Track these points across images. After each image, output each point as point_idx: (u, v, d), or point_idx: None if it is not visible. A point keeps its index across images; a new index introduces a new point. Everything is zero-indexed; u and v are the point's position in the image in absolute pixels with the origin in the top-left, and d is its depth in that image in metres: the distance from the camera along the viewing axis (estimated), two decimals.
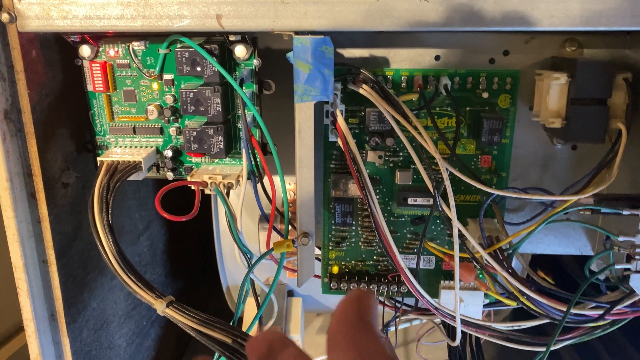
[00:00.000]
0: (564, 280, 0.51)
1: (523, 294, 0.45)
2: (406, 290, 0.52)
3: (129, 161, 0.47)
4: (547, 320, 0.47)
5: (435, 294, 0.53)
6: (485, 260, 0.46)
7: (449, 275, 0.53)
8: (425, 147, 0.43)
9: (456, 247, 0.43)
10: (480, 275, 0.50)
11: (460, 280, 0.46)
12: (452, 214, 0.42)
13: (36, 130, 0.45)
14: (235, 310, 0.50)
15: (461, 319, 0.48)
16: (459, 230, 0.44)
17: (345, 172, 0.51)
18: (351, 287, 0.53)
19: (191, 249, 0.91)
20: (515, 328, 0.51)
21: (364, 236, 0.53)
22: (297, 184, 0.44)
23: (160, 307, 0.44)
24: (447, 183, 0.42)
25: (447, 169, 0.42)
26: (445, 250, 0.49)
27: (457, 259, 0.44)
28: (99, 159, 0.48)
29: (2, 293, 0.73)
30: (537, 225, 0.45)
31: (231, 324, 0.47)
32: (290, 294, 0.74)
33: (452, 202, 0.42)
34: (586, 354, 0.71)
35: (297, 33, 0.41)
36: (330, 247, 0.54)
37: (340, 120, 0.44)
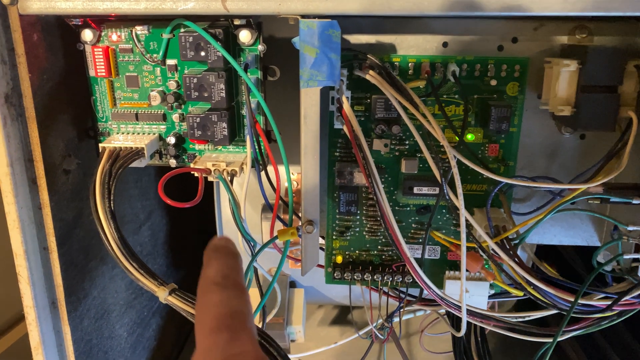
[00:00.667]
0: (565, 273, 0.51)
1: (530, 283, 0.44)
2: (411, 280, 0.52)
3: (131, 147, 0.47)
4: (553, 312, 0.47)
5: (440, 284, 0.52)
6: (492, 249, 0.45)
7: (454, 266, 0.53)
8: (434, 134, 0.42)
9: (463, 236, 0.43)
10: (487, 265, 0.49)
11: (466, 270, 0.45)
12: (460, 203, 0.42)
13: (37, 115, 0.45)
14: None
15: (467, 310, 0.48)
16: (466, 220, 0.43)
17: (350, 160, 0.50)
18: (355, 277, 0.53)
19: (192, 238, 0.90)
20: (521, 319, 0.51)
21: (368, 225, 0.52)
22: (302, 171, 0.43)
23: (163, 294, 0.43)
24: (455, 171, 0.41)
25: (454, 157, 0.42)
26: (452, 240, 0.49)
27: (464, 248, 0.43)
28: (100, 145, 0.47)
29: (2, 282, 0.73)
30: (544, 215, 0.44)
31: None
32: (293, 285, 0.74)
33: (459, 191, 0.42)
34: (589, 347, 0.71)
35: (303, 17, 0.41)
36: (334, 237, 0.53)
37: (347, 106, 0.43)
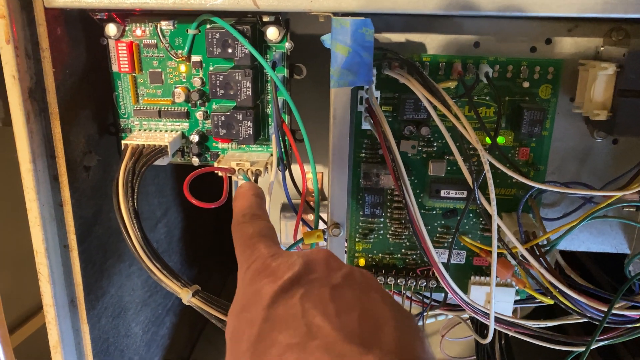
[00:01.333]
0: (585, 279, 0.49)
1: (561, 292, 0.43)
2: (435, 285, 0.51)
3: (155, 145, 0.46)
4: (582, 320, 0.46)
5: (464, 289, 0.51)
6: (522, 256, 0.44)
7: (480, 271, 0.52)
8: (467, 137, 0.41)
9: (494, 242, 0.42)
10: (516, 272, 0.48)
11: (496, 277, 0.44)
12: (493, 208, 0.41)
13: (60, 110, 0.44)
14: None
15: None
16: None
17: (376, 161, 0.49)
18: (378, 280, 0.52)
19: (206, 235, 0.89)
20: (547, 326, 0.50)
21: (392, 228, 0.51)
22: (330, 173, 0.42)
23: (186, 296, 0.42)
24: (489, 176, 0.40)
25: (488, 161, 0.40)
26: (481, 246, 0.47)
27: (494, 255, 0.42)
28: (123, 142, 0.46)
29: (18, 275, 0.72)
30: (578, 222, 0.43)
31: None
32: None
33: (492, 196, 0.41)
34: (609, 356, 0.69)
35: (335, 14, 0.39)
36: (357, 239, 0.52)
37: (377, 107, 0.42)
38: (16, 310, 0.77)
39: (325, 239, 0.44)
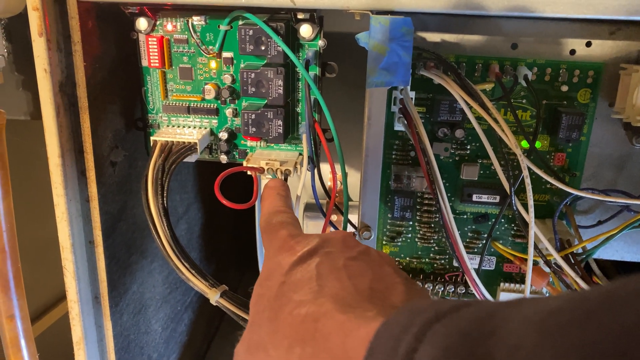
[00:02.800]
0: None
1: None
2: (463, 291, 0.50)
3: (184, 142, 0.45)
4: None
5: (493, 295, 0.50)
6: (556, 264, 0.43)
7: (509, 277, 0.51)
8: (506, 141, 0.40)
9: (531, 250, 0.41)
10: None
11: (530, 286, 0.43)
12: (530, 215, 0.40)
13: (89, 105, 0.43)
14: None
15: None
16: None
17: (406, 163, 0.48)
18: None
19: (224, 232, 0.89)
20: None
21: (421, 232, 0.50)
22: (363, 174, 0.42)
23: (214, 296, 0.41)
24: (528, 181, 0.39)
25: (527, 167, 0.39)
26: (515, 253, 0.46)
27: (530, 263, 0.41)
28: (152, 138, 0.45)
29: (38, 267, 0.72)
30: (617, 231, 0.42)
31: None
32: None
33: (530, 202, 0.40)
34: None
35: (374, 12, 0.39)
36: (384, 242, 0.51)
37: (412, 108, 0.41)
38: (36, 301, 0.77)
39: None
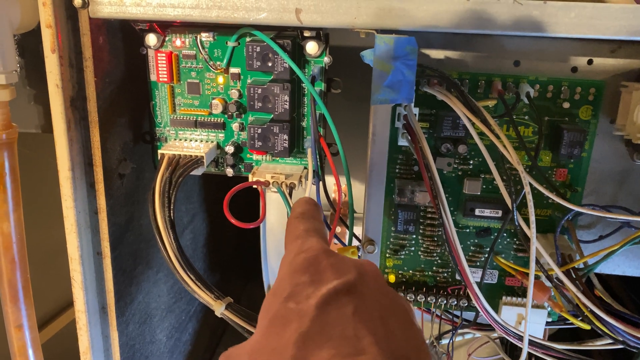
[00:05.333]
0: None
1: (598, 317, 0.42)
2: (465, 304, 0.50)
3: (191, 156, 0.46)
4: (618, 346, 0.45)
5: (495, 308, 0.50)
6: (557, 279, 0.43)
7: (511, 291, 0.51)
8: (508, 157, 0.40)
9: (532, 265, 0.41)
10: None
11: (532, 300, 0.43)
12: (532, 231, 0.40)
13: (99, 119, 0.44)
14: None
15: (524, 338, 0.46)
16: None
17: (409, 177, 0.49)
18: (407, 297, 0.51)
19: (228, 242, 0.90)
20: (576, 349, 0.49)
21: (424, 245, 0.51)
22: (367, 189, 0.42)
23: (219, 308, 0.42)
24: (529, 197, 0.40)
25: (529, 183, 0.40)
26: (517, 267, 0.47)
27: (531, 278, 0.42)
28: (160, 151, 0.46)
29: (44, 274, 0.73)
30: (618, 247, 0.42)
31: None
32: None
33: (532, 218, 0.40)
34: None
35: (379, 31, 0.39)
36: (387, 255, 0.52)
37: (416, 125, 0.42)
38: (42, 309, 0.78)
39: (359, 256, 0.44)
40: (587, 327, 0.44)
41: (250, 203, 0.66)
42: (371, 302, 0.26)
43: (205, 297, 0.42)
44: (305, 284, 0.26)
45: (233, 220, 0.40)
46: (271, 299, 0.27)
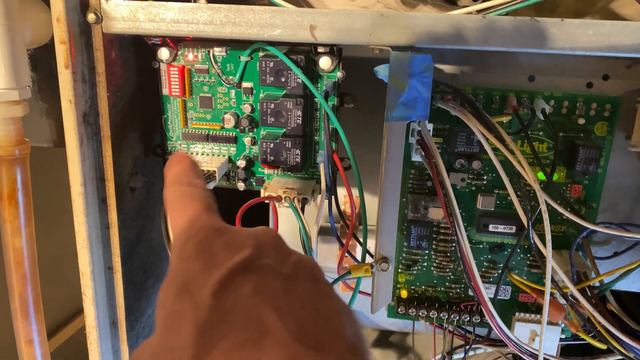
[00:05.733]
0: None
1: (613, 336, 0.42)
2: (478, 320, 0.50)
3: (204, 170, 0.45)
4: None
5: (507, 325, 0.50)
6: (572, 296, 0.43)
7: (524, 307, 0.51)
8: (523, 174, 0.40)
9: (548, 283, 0.41)
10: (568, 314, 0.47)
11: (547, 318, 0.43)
12: (548, 250, 0.40)
13: (112, 134, 0.44)
14: None
15: (537, 356, 0.46)
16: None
17: (422, 192, 0.49)
18: (420, 313, 0.51)
19: None
20: None
21: (437, 261, 0.50)
22: (380, 207, 0.42)
23: None
24: (546, 217, 0.39)
25: (545, 201, 0.40)
26: (531, 285, 0.46)
27: (547, 297, 0.41)
28: None
29: (51, 283, 0.73)
30: (635, 266, 0.42)
31: None
32: None
33: (548, 237, 0.40)
34: None
35: (394, 48, 0.39)
36: (400, 270, 0.51)
37: (430, 141, 0.42)
38: (50, 317, 0.78)
39: (372, 273, 0.43)
40: (603, 346, 0.43)
41: (260, 216, 0.66)
42: (272, 275, 0.24)
43: None
44: (198, 272, 0.24)
45: None
46: (164, 293, 0.25)
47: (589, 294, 0.43)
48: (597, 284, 0.45)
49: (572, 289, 0.42)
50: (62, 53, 0.40)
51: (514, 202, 0.42)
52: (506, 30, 0.37)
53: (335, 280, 0.44)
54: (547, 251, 0.40)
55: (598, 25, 0.37)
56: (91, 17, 0.40)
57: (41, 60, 0.47)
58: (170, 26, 0.40)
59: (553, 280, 0.43)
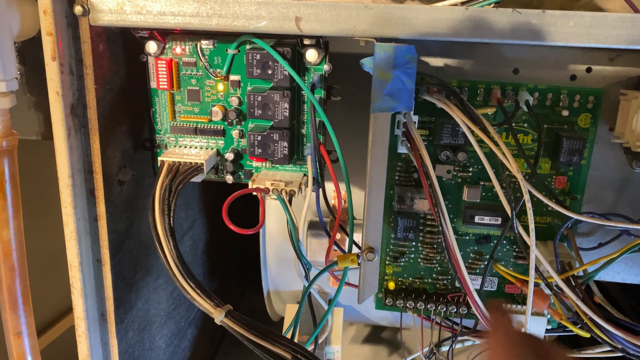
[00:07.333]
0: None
1: (597, 325, 0.42)
2: (465, 312, 0.50)
3: (191, 163, 0.46)
4: (619, 354, 0.45)
5: None
6: (557, 287, 0.43)
7: (511, 298, 0.51)
8: (507, 165, 0.40)
9: (532, 273, 0.41)
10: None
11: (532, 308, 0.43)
12: (531, 239, 0.40)
13: (99, 126, 0.44)
14: (293, 326, 0.48)
15: None
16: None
17: (409, 185, 0.49)
18: (407, 305, 0.51)
19: (227, 248, 0.89)
20: (578, 357, 0.49)
21: (424, 253, 0.51)
22: (367, 198, 0.42)
23: (219, 316, 0.42)
24: (529, 206, 0.40)
25: (529, 191, 0.40)
26: (516, 275, 0.47)
27: (531, 286, 0.42)
28: (159, 158, 0.46)
29: (43, 280, 0.73)
30: (617, 255, 0.42)
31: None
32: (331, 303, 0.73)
33: (532, 227, 0.40)
34: None
35: (378, 40, 0.39)
36: (387, 262, 0.52)
37: (415, 133, 0.42)
38: (41, 315, 0.78)
39: (359, 263, 0.44)
40: (586, 335, 0.44)
41: (250, 209, 0.66)
42: None
43: (205, 304, 0.42)
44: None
45: (232, 226, 0.40)
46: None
47: (573, 284, 0.44)
48: (581, 274, 0.45)
49: (557, 279, 0.43)
50: (49, 45, 0.40)
51: (499, 193, 0.42)
52: (488, 22, 0.38)
53: (322, 271, 0.45)
54: (531, 241, 0.41)
55: (578, 16, 0.37)
56: (78, 9, 0.40)
57: (29, 52, 0.47)
58: (156, 18, 0.41)
59: (537, 270, 0.44)
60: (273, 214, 0.66)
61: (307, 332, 0.62)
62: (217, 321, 0.42)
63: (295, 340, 0.59)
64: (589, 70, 0.46)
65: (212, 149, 0.49)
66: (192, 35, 0.46)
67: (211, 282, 0.82)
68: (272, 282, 0.71)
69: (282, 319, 0.75)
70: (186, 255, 0.70)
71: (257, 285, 0.73)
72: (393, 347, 0.80)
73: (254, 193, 0.46)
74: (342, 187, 0.44)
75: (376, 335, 0.83)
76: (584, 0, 0.52)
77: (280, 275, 0.70)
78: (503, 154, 0.41)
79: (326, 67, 0.45)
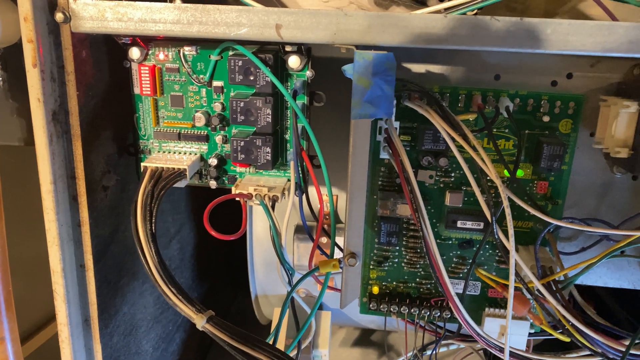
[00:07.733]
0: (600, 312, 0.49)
1: (577, 329, 0.43)
2: (449, 315, 0.51)
3: (174, 168, 0.46)
4: (600, 358, 0.45)
5: (478, 320, 0.51)
6: (538, 291, 0.44)
7: (494, 303, 0.51)
8: (486, 171, 0.41)
9: (512, 278, 0.42)
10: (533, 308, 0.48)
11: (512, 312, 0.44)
12: (511, 244, 0.41)
13: (82, 132, 0.44)
14: (275, 331, 0.48)
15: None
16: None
17: (392, 190, 0.49)
18: (391, 309, 0.51)
19: (216, 252, 0.89)
20: None
21: (407, 257, 0.51)
22: (348, 203, 0.42)
23: (200, 322, 0.42)
24: (508, 211, 0.40)
25: (507, 197, 0.40)
26: (498, 280, 0.47)
27: (511, 291, 0.42)
28: (142, 164, 0.46)
29: (28, 286, 0.73)
30: (597, 260, 0.43)
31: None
32: (319, 307, 0.73)
33: (511, 232, 0.41)
34: None
35: (358, 47, 0.40)
36: (371, 266, 0.52)
37: (396, 139, 0.42)
38: (25, 322, 0.77)
39: (341, 268, 0.44)
40: (566, 339, 0.44)
41: (238, 214, 0.66)
42: None
43: (186, 310, 0.42)
44: None
45: (213, 232, 0.41)
46: None
47: (554, 288, 0.44)
48: (562, 279, 0.45)
49: (537, 284, 0.43)
50: (29, 52, 0.40)
51: (478, 198, 0.43)
52: (466, 29, 0.38)
53: (304, 276, 0.45)
54: (510, 245, 0.41)
55: (556, 24, 0.38)
56: (59, 16, 0.40)
57: (11, 58, 0.47)
58: (138, 25, 0.41)
59: (518, 276, 0.44)
60: (260, 218, 0.67)
61: (293, 336, 0.62)
62: (199, 327, 0.43)
63: (282, 344, 0.60)
64: (569, 76, 0.46)
65: (195, 154, 0.49)
66: (175, 41, 0.46)
67: (200, 286, 0.82)
68: (260, 286, 0.71)
69: (271, 322, 0.75)
70: (174, 259, 0.70)
71: (248, 288, 0.73)
72: (381, 349, 0.80)
73: (237, 198, 0.46)
74: (325, 191, 0.45)
75: (365, 338, 0.84)
76: (569, 5, 0.52)
77: (268, 279, 0.70)
78: (482, 160, 0.41)
79: (309, 73, 0.45)
